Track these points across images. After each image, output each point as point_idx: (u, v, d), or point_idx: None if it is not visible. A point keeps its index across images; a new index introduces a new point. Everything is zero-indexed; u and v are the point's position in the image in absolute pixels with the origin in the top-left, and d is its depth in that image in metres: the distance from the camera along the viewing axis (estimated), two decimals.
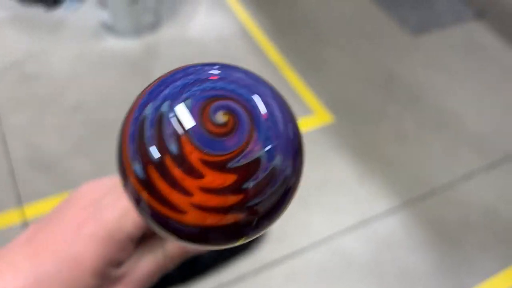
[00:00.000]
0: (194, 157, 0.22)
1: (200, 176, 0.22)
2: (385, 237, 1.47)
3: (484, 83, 2.02)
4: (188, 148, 0.22)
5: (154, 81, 0.26)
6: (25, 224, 1.35)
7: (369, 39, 2.13)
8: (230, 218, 0.23)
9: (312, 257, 1.40)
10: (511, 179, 1.67)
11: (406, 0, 2.32)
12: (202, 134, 0.22)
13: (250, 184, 0.23)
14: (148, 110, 0.23)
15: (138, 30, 1.93)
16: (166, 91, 0.24)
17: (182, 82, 0.24)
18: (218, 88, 0.24)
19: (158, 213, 0.23)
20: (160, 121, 0.23)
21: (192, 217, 0.22)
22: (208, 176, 0.22)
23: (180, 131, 0.22)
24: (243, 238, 0.25)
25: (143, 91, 0.25)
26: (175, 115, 0.23)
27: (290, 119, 0.24)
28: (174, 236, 0.24)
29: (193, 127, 0.23)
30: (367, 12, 2.26)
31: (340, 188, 1.57)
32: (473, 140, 1.77)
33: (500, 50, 2.18)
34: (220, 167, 0.22)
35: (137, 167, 0.23)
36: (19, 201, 1.40)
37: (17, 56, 1.80)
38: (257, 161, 0.23)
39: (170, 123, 0.23)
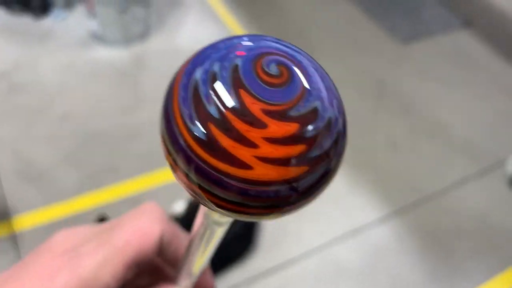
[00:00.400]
0: (255, 108, 0.22)
1: (263, 126, 0.22)
2: (378, 245, 1.47)
3: (473, 91, 2.03)
4: (248, 100, 0.22)
5: (191, 57, 0.25)
6: (13, 237, 1.33)
7: (359, 48, 2.14)
8: (293, 171, 0.23)
9: (305, 266, 1.39)
10: (502, 186, 1.68)
11: (395, 9, 2.34)
12: (259, 85, 0.23)
13: (311, 133, 0.23)
14: (198, 74, 0.23)
15: (127, 39, 1.92)
16: (213, 55, 0.24)
17: (225, 45, 0.24)
18: (263, 46, 0.24)
19: (220, 173, 0.22)
20: (214, 79, 0.23)
21: (258, 172, 0.22)
22: (272, 125, 0.22)
23: (237, 85, 0.23)
24: (299, 199, 0.25)
25: (184, 63, 0.25)
26: (229, 71, 0.23)
27: (331, 80, 0.25)
28: (236, 200, 0.23)
29: (249, 79, 0.23)
30: (357, 22, 2.27)
31: (332, 196, 1.57)
32: (464, 147, 1.78)
33: (488, 58, 2.20)
34: (282, 116, 0.22)
35: (197, 129, 0.22)
36: (7, 213, 1.37)
37: (5, 66, 1.78)
38: (315, 111, 0.23)
39: (226, 78, 0.23)
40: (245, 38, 0.24)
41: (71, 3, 2.06)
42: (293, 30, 2.16)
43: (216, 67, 0.23)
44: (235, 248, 1.35)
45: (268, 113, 0.22)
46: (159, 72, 1.84)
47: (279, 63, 0.24)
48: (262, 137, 0.22)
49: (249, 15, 2.17)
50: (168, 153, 0.23)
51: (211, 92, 0.22)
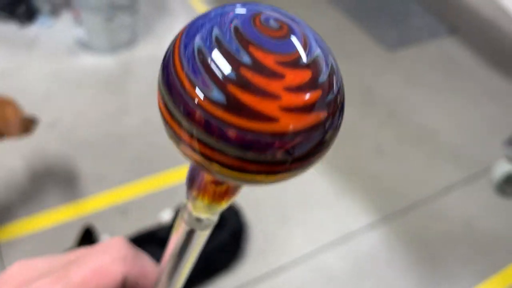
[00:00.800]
0: (269, 61, 0.22)
1: (281, 76, 0.22)
2: (366, 252, 1.47)
3: (459, 97, 2.05)
4: (259, 54, 0.22)
5: (183, 29, 0.25)
6: None
7: (346, 55, 2.15)
8: (316, 117, 0.23)
9: (294, 274, 1.38)
10: (490, 192, 1.69)
11: (382, 16, 2.36)
12: (266, 39, 0.23)
13: (323, 78, 0.24)
14: (199, 40, 0.23)
15: (114, 47, 1.91)
16: (208, 24, 0.24)
17: (217, 13, 0.24)
18: (255, 8, 0.25)
19: (250, 132, 0.22)
20: (219, 42, 0.23)
21: (285, 122, 0.22)
22: (288, 75, 0.22)
23: (244, 42, 0.23)
24: (330, 140, 0.25)
25: (178, 36, 0.25)
26: (231, 32, 0.23)
27: (319, 37, 0.26)
28: (264, 155, 0.23)
29: (254, 35, 0.23)
30: (344, 29, 2.28)
31: (320, 204, 1.56)
32: (451, 154, 1.79)
33: (474, 64, 2.22)
34: (295, 64, 0.23)
35: (214, 93, 0.22)
36: None
37: None
38: (319, 58, 0.24)
39: (231, 38, 0.23)
40: (237, 4, 0.25)
41: (57, 10, 2.05)
42: None
43: (216, 31, 0.23)
44: (222, 257, 1.34)
45: (282, 64, 0.22)
46: (146, 79, 1.83)
47: (276, 19, 0.24)
48: (282, 88, 0.22)
49: None
50: (180, 128, 0.23)
51: (220, 54, 0.22)
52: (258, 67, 0.22)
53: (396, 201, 1.61)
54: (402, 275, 1.43)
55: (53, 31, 1.98)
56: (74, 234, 1.26)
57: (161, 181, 1.50)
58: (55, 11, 2.04)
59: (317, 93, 0.23)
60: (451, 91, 2.08)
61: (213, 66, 0.22)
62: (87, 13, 1.81)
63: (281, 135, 0.22)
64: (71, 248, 1.23)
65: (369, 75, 2.07)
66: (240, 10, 0.24)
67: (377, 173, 1.69)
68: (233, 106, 0.22)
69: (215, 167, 0.24)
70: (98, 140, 1.60)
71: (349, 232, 1.49)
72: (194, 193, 0.28)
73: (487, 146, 1.85)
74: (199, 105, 0.22)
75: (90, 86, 1.78)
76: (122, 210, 1.42)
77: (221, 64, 0.22)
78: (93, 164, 1.53)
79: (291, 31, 0.24)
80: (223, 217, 1.32)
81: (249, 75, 0.22)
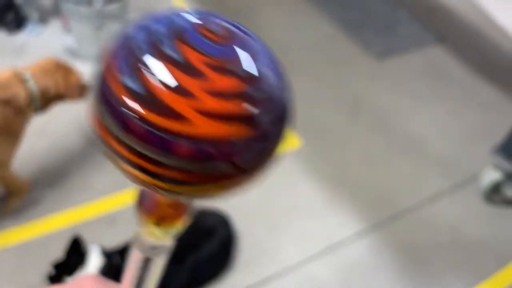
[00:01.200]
0: (195, 58, 0.21)
1: (203, 76, 0.21)
2: (355, 261, 1.47)
3: (447, 106, 2.07)
4: (185, 49, 0.21)
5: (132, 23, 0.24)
6: None
7: (335, 64, 2.16)
8: (234, 130, 0.21)
9: (283, 284, 1.38)
10: (476, 199, 1.70)
11: (369, 26, 2.37)
12: (200, 38, 0.22)
13: (253, 93, 0.22)
14: (136, 33, 0.22)
15: None
16: (160, 18, 0.23)
17: (167, 17, 0.23)
18: (208, 14, 0.24)
19: (157, 128, 0.21)
20: (152, 34, 0.22)
21: (197, 126, 0.21)
22: (212, 77, 0.21)
23: (175, 35, 0.22)
24: (237, 164, 0.23)
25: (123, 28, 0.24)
26: (169, 28, 0.22)
27: (273, 57, 0.25)
28: (167, 162, 0.21)
29: (190, 33, 0.22)
30: (332, 38, 2.29)
31: (308, 213, 1.57)
32: (438, 162, 1.80)
33: (460, 73, 2.25)
34: (223, 70, 0.21)
35: (132, 83, 0.21)
36: None
37: None
38: (262, 76, 0.22)
39: (161, 31, 0.22)
40: (191, 12, 0.24)
41: (46, 18, 2.04)
42: (271, 47, 2.17)
43: (158, 27, 0.22)
44: (211, 267, 1.34)
45: (208, 65, 0.21)
46: None
47: (223, 26, 0.23)
48: (202, 89, 0.21)
49: None
50: (101, 119, 0.22)
51: (147, 44, 0.21)
52: (181, 63, 0.21)
53: (384, 209, 1.62)
54: (390, 283, 1.44)
55: (42, 39, 1.97)
56: (62, 244, 1.25)
57: None
58: (43, 19, 2.04)
59: (238, 106, 0.21)
60: (438, 99, 2.10)
61: (138, 54, 0.21)
62: (76, 21, 1.80)
63: (188, 137, 0.21)
64: (59, 259, 1.22)
65: (358, 84, 2.09)
66: (191, 16, 0.23)
67: (365, 182, 1.70)
68: (148, 97, 0.21)
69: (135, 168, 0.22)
70: (87, 148, 1.59)
71: (338, 241, 1.50)
72: (144, 216, 0.28)
73: (474, 154, 1.86)
74: (108, 94, 0.21)
75: None
76: (110, 219, 1.41)
77: (145, 54, 0.21)
78: (81, 173, 1.52)
79: (236, 41, 0.23)
80: (213, 227, 1.32)
81: (171, 69, 0.21)
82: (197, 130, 0.21)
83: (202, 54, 0.21)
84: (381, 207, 1.62)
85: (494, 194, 1.69)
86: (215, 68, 0.21)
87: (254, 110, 0.22)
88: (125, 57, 0.21)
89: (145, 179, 0.22)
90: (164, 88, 0.21)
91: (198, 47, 0.22)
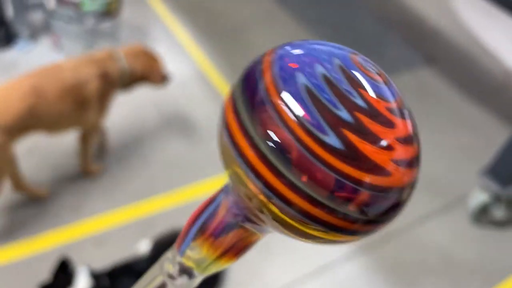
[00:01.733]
0: (381, 106, 0.21)
1: (392, 125, 0.21)
2: (346, 281, 1.47)
3: (436, 126, 2.08)
4: (370, 98, 0.21)
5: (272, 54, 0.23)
6: None
7: None
8: (417, 172, 0.22)
9: None
10: (464, 221, 1.71)
11: (359, 47, 2.39)
12: (372, 82, 0.21)
13: (416, 133, 0.23)
14: (302, 79, 0.21)
15: None
16: (306, 57, 0.22)
17: (308, 47, 0.23)
18: (343, 48, 0.24)
19: (361, 184, 0.20)
20: (330, 82, 0.21)
21: (397, 178, 0.20)
22: (398, 124, 0.21)
23: (355, 84, 0.21)
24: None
25: (265, 66, 0.23)
26: (338, 70, 0.21)
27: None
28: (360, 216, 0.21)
29: (362, 76, 0.21)
30: None
31: None
32: (427, 183, 1.81)
33: (449, 94, 2.27)
34: (400, 113, 0.21)
35: (331, 139, 0.20)
36: None
37: None
38: (410, 112, 0.23)
39: (341, 80, 0.21)
40: (314, 41, 0.24)
41: (37, 35, 2.04)
42: None
43: (320, 69, 0.21)
44: None
45: (391, 111, 0.21)
46: (125, 106, 1.82)
47: (369, 62, 0.23)
48: (394, 138, 0.20)
49: (217, 49, 2.19)
50: (279, 176, 0.20)
51: (333, 95, 0.20)
52: (372, 112, 0.20)
53: None
54: None
55: (32, 56, 1.97)
56: (49, 265, 1.23)
57: (138, 211, 1.48)
58: (34, 36, 2.03)
59: (416, 148, 0.22)
60: (427, 120, 2.12)
61: (329, 108, 0.20)
62: (67, 39, 1.80)
63: (390, 190, 0.21)
64: (46, 281, 1.21)
65: None
66: (327, 48, 0.23)
67: None
68: (351, 153, 0.20)
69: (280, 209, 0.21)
70: (76, 167, 1.58)
71: (329, 262, 1.50)
72: (200, 240, 0.26)
73: (462, 175, 1.88)
74: (312, 152, 0.20)
75: None
76: (99, 240, 1.40)
77: (337, 107, 0.20)
78: (70, 192, 1.51)
79: (388, 78, 0.23)
80: None
81: (365, 120, 0.20)
82: (399, 181, 0.21)
83: (381, 98, 0.21)
84: None
85: (482, 215, 1.70)
86: (395, 113, 0.21)
87: (420, 146, 0.23)
88: (318, 111, 0.20)
89: (324, 234, 0.22)
90: (363, 142, 0.20)
91: (374, 90, 0.21)
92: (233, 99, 0.23)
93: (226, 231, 0.26)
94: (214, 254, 0.26)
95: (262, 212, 0.22)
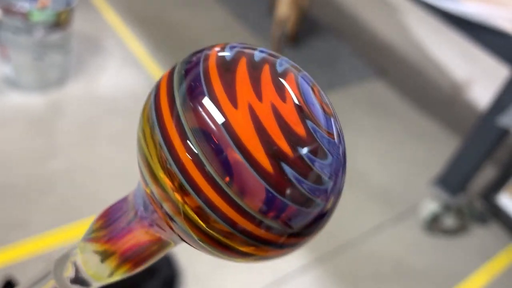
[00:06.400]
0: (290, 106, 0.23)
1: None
2: None
3: (387, 138, 2.13)
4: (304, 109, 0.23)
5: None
6: None
7: None
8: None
9: None
10: (418, 231, 1.75)
11: (311, 60, 2.43)
12: (315, 104, 0.24)
13: (339, 175, 0.25)
14: (243, 63, 0.23)
15: (44, 85, 1.85)
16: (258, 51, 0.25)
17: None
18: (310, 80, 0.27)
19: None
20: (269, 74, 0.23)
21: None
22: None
23: (296, 92, 0.24)
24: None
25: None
26: (286, 76, 0.24)
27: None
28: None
29: (307, 94, 0.24)
30: None
31: None
32: (380, 194, 1.85)
33: (400, 106, 2.33)
34: (328, 143, 0.23)
35: (228, 55, 0.23)
36: None
37: None
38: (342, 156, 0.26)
39: (281, 80, 0.24)
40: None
41: None
42: None
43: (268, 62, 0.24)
44: None
45: (296, 100, 0.22)
46: (76, 119, 1.78)
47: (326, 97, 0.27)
48: (272, 101, 0.21)
49: (171, 60, 2.17)
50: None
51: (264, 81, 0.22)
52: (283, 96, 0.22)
53: (327, 242, 1.63)
54: None
55: None
56: None
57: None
58: None
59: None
60: (379, 132, 2.16)
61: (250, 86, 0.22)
62: (15, 51, 1.75)
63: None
64: None
65: None
66: (290, 66, 0.25)
67: None
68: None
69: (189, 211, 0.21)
70: (21, 183, 1.52)
71: (282, 275, 1.49)
72: (102, 246, 0.25)
73: (413, 186, 1.92)
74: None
75: (15, 125, 1.70)
76: (46, 259, 1.35)
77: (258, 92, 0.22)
78: (15, 209, 1.45)
79: (337, 119, 0.26)
80: (155, 266, 1.28)
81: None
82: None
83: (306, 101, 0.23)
84: (324, 241, 1.63)
85: (433, 224, 1.74)
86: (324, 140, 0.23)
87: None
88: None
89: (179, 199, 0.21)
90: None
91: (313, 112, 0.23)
92: (170, 84, 0.23)
93: (129, 231, 0.25)
94: (113, 256, 0.26)
95: (178, 214, 0.22)
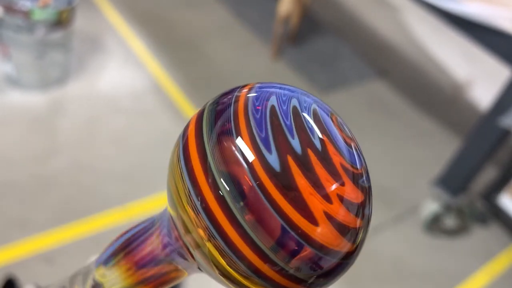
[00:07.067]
0: (336, 160, 0.20)
1: (341, 181, 0.20)
2: None
3: (388, 138, 2.13)
4: (330, 148, 0.20)
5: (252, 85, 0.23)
6: None
7: None
8: (347, 245, 0.21)
9: None
10: (418, 231, 1.75)
11: (313, 60, 2.43)
12: (339, 139, 0.21)
13: (368, 211, 0.22)
14: (274, 101, 0.21)
15: (45, 84, 1.85)
16: (280, 91, 0.23)
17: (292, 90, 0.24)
18: (329, 108, 0.24)
19: (283, 217, 0.19)
20: (297, 114, 0.21)
21: (321, 232, 0.19)
22: (347, 185, 0.20)
23: (321, 129, 0.21)
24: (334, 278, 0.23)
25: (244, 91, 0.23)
26: (311, 113, 0.21)
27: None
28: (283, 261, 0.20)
29: (331, 129, 0.21)
30: (277, 71, 2.33)
31: None
32: (380, 195, 1.84)
33: (401, 106, 2.33)
34: (355, 179, 0.21)
35: (272, 157, 0.19)
36: None
37: None
38: (370, 190, 0.22)
39: (307, 119, 0.21)
40: (305, 94, 0.24)
41: None
42: (216, 75, 2.18)
43: (295, 102, 0.21)
44: None
45: (346, 170, 0.20)
46: (77, 117, 1.78)
47: (347, 127, 0.24)
48: (336, 193, 0.20)
49: (173, 60, 2.17)
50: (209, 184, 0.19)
51: (294, 125, 0.20)
52: (324, 157, 0.20)
53: None
54: None
55: None
56: None
57: (89, 227, 1.44)
58: None
59: (360, 222, 0.21)
60: (380, 132, 2.16)
61: (284, 132, 0.20)
62: (16, 49, 1.75)
63: (310, 242, 0.20)
64: None
65: None
66: (313, 102, 0.23)
67: None
68: (284, 179, 0.19)
69: (212, 249, 0.20)
70: (22, 182, 1.52)
71: None
72: (123, 267, 0.25)
73: (414, 186, 1.92)
74: (249, 167, 0.19)
75: (16, 124, 1.70)
76: (47, 258, 1.35)
77: (292, 135, 0.20)
78: (16, 208, 1.45)
79: (358, 147, 0.23)
80: None
81: (314, 160, 0.20)
82: (320, 235, 0.20)
83: (342, 156, 0.21)
84: None
85: (433, 225, 1.74)
86: (348, 173, 0.20)
87: (362, 230, 0.21)
88: (266, 128, 0.21)
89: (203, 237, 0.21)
90: (303, 177, 0.20)
91: (337, 145, 0.21)
92: (199, 126, 0.22)
93: (151, 260, 0.25)
94: (130, 279, 0.25)
95: (198, 248, 0.21)
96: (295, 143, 0.20)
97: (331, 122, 0.22)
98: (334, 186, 0.20)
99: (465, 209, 1.79)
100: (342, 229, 0.20)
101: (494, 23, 1.38)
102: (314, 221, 0.20)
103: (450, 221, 1.75)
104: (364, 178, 0.22)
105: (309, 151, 0.20)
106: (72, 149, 1.66)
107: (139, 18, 2.32)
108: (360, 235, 0.21)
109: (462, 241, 1.75)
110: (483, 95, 2.47)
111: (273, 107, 0.21)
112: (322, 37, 2.59)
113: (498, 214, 1.81)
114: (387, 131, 2.17)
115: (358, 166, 0.22)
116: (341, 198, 0.20)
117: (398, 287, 1.57)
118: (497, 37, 1.38)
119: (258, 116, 0.21)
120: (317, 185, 0.20)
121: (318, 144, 0.20)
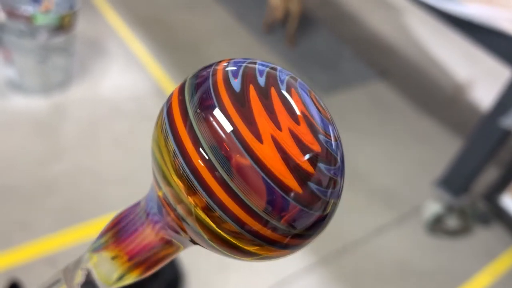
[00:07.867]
0: (299, 107, 0.23)
1: (296, 120, 0.22)
2: None
3: (389, 139, 2.13)
4: (295, 98, 0.23)
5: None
6: None
7: None
8: (294, 183, 0.22)
9: None
10: (420, 232, 1.75)
11: (314, 62, 2.44)
12: (309, 102, 0.24)
13: (328, 171, 0.24)
14: (252, 65, 0.26)
15: (47, 88, 1.86)
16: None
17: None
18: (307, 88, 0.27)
19: (231, 122, 0.21)
20: (273, 75, 0.25)
21: (266, 152, 0.21)
22: (302, 127, 0.22)
23: (292, 86, 0.25)
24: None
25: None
26: (286, 81, 0.25)
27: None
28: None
29: (304, 97, 0.24)
30: None
31: None
32: (382, 195, 1.85)
33: (402, 107, 2.33)
34: (313, 129, 0.23)
35: (236, 83, 0.22)
36: None
37: None
38: (330, 151, 0.25)
39: (281, 79, 0.25)
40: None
41: None
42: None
43: (271, 70, 0.26)
44: None
45: (305, 116, 0.22)
46: (79, 121, 1.79)
47: (322, 102, 0.26)
48: (289, 127, 0.21)
49: (174, 62, 2.18)
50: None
51: (266, 77, 0.23)
52: (287, 100, 0.23)
53: (331, 243, 1.63)
54: None
55: None
56: None
57: (92, 230, 1.45)
58: None
59: (310, 166, 0.23)
60: (381, 133, 2.16)
61: (255, 73, 0.24)
62: (18, 54, 1.76)
63: (255, 159, 0.21)
64: None
65: None
66: (291, 76, 0.26)
67: None
68: (242, 98, 0.22)
69: (199, 210, 0.22)
70: (25, 185, 1.53)
71: (286, 276, 1.50)
72: (113, 251, 0.26)
73: (416, 187, 1.92)
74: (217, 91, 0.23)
75: (19, 128, 1.71)
76: (50, 261, 1.36)
77: (261, 75, 0.24)
78: (19, 212, 1.46)
79: (331, 120, 0.26)
80: None
81: (273, 94, 0.22)
82: (263, 153, 0.21)
83: (306, 107, 0.23)
84: (328, 241, 1.63)
85: (436, 225, 1.74)
86: (308, 123, 0.23)
87: (317, 176, 0.23)
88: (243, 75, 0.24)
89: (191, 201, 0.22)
90: (258, 99, 0.23)
91: (304, 103, 0.23)
92: (182, 97, 0.25)
93: (140, 235, 0.26)
94: (124, 260, 0.26)
95: (190, 215, 0.22)
96: (262, 80, 0.23)
97: (307, 95, 0.24)
98: (288, 121, 0.22)
99: (467, 209, 1.79)
100: (286, 158, 0.21)
101: (494, 24, 1.38)
102: (259, 138, 0.21)
103: (452, 222, 1.75)
104: (324, 135, 0.23)
105: (272, 89, 0.23)
106: (74, 152, 1.67)
107: (140, 21, 2.33)
108: (313, 185, 0.22)
109: (464, 242, 1.76)
110: (484, 95, 2.47)
111: (249, 67, 0.24)
112: (323, 38, 2.60)
113: (500, 214, 1.81)
114: (388, 132, 2.17)
115: (320, 124, 0.23)
116: (292, 132, 0.22)
117: (400, 287, 1.57)
118: (497, 38, 1.39)
119: (235, 70, 0.24)
120: (271, 112, 0.22)
121: (284, 90, 0.23)
